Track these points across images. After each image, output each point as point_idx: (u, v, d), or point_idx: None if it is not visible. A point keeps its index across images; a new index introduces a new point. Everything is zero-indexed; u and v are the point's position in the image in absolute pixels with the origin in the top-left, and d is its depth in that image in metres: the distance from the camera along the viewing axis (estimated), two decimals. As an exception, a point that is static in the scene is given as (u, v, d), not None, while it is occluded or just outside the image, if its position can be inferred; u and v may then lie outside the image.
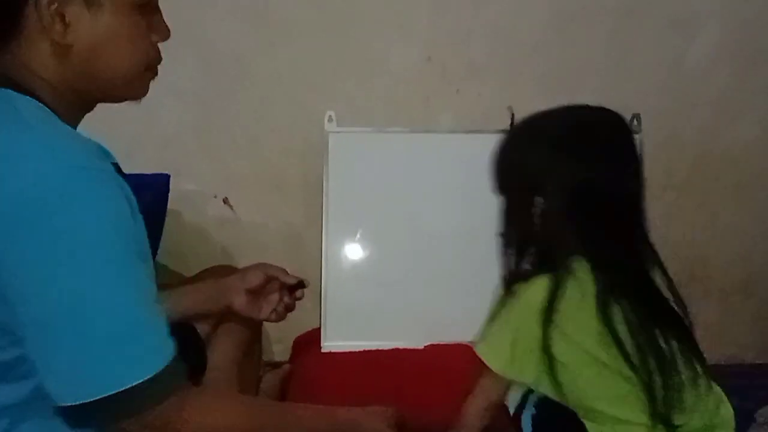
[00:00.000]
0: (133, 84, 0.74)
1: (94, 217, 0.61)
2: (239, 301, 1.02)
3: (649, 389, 0.80)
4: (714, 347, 1.52)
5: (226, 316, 1.08)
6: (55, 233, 0.60)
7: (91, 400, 0.61)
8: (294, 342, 1.39)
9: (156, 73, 0.75)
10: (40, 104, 0.68)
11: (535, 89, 1.38)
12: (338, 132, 1.32)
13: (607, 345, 0.80)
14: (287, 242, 1.43)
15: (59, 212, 0.60)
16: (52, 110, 0.69)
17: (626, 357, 0.80)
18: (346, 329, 1.28)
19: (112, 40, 0.70)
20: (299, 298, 1.07)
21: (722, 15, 1.37)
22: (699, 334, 1.49)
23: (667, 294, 0.88)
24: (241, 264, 1.35)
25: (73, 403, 0.61)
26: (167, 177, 1.27)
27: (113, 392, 0.61)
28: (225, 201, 1.41)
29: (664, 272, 0.89)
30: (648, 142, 1.39)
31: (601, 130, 0.88)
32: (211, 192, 1.41)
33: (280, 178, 1.41)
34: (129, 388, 0.61)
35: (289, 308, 1.07)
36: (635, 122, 1.38)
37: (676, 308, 0.88)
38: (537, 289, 0.81)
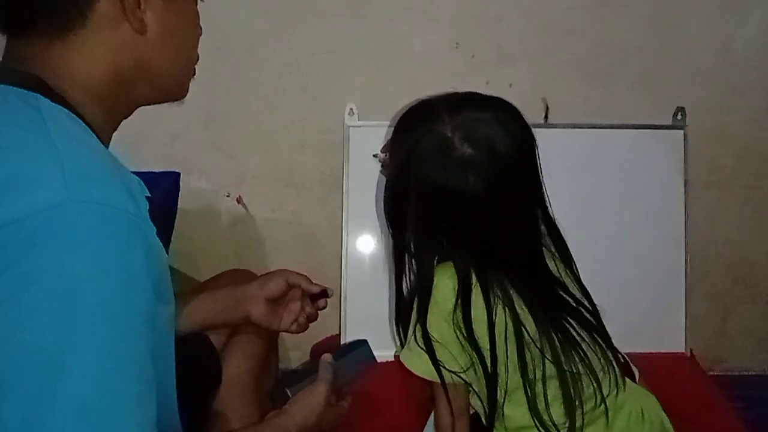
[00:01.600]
0: (183, 81, 0.71)
1: (96, 266, 0.52)
2: (258, 311, 0.95)
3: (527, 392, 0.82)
4: (757, 355, 1.43)
5: (241, 325, 1.01)
6: (45, 274, 0.51)
7: None
8: (312, 349, 1.32)
9: (195, 73, 0.73)
10: (71, 114, 0.60)
11: (570, 78, 1.28)
12: (359, 126, 1.24)
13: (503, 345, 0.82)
14: (303, 243, 1.34)
15: (57, 255, 0.51)
16: (87, 122, 0.61)
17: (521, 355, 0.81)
18: (367, 336, 1.19)
19: (180, 29, 0.67)
20: (322, 308, 0.99)
21: (774, -3, 1.27)
22: (742, 340, 1.44)
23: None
24: (254, 265, 1.28)
25: None
26: (177, 175, 1.19)
27: None
28: (239, 200, 1.32)
29: (568, 265, 0.89)
30: (692, 133, 1.30)
31: (414, 121, 0.85)
32: (223, 190, 1.32)
33: (296, 174, 1.32)
34: None
35: (311, 319, 0.99)
36: (680, 116, 1.29)
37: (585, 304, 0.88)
38: (446, 293, 0.83)
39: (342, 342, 1.23)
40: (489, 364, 0.83)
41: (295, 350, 1.38)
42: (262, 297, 0.95)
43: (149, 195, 0.61)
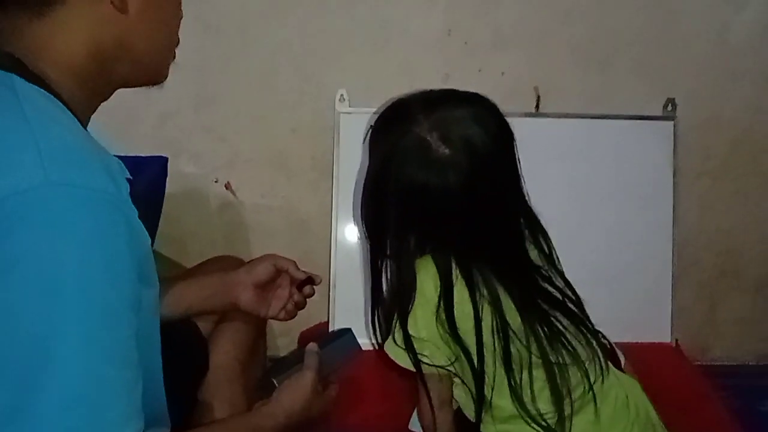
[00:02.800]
0: (163, 64, 0.70)
1: (77, 250, 0.51)
2: (246, 298, 0.94)
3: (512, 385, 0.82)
4: (744, 345, 1.45)
5: (227, 313, 1.01)
6: (26, 261, 0.50)
7: None
8: (300, 336, 1.31)
9: (175, 57, 0.71)
10: (48, 94, 0.59)
11: (564, 65, 1.27)
12: (350, 113, 1.23)
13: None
14: (293, 229, 1.33)
15: (36, 236, 0.50)
16: (64, 102, 0.59)
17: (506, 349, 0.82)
18: (355, 323, 1.19)
19: (162, 9, 0.66)
20: (309, 295, 0.99)
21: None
22: (729, 330, 1.45)
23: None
24: (243, 251, 1.28)
25: None
26: (165, 160, 1.17)
27: None
28: (227, 186, 1.31)
29: (550, 256, 0.89)
30: (683, 124, 1.29)
31: (391, 123, 0.85)
32: (212, 175, 1.31)
33: (287, 159, 1.30)
34: None
35: (300, 306, 0.99)
36: (670, 107, 1.29)
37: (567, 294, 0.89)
38: (430, 289, 0.83)
39: (330, 329, 1.23)
40: (476, 360, 0.83)
41: (283, 337, 1.38)
42: (249, 283, 0.94)
43: (130, 177, 0.60)
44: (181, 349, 0.86)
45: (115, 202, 0.54)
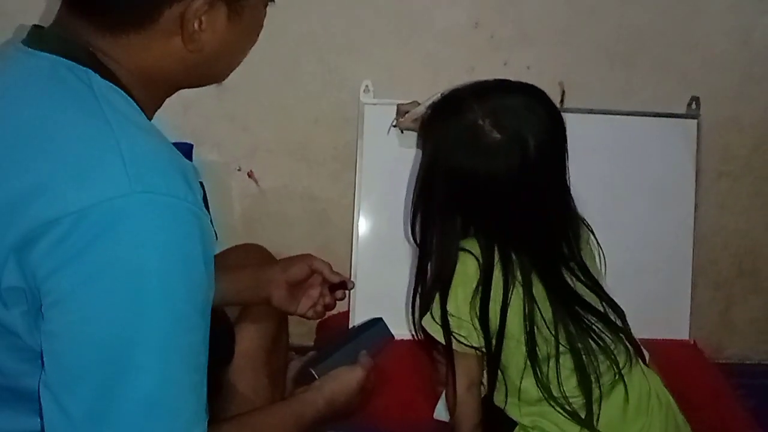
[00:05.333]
0: (228, 74, 0.70)
1: (160, 259, 0.52)
2: (279, 295, 0.96)
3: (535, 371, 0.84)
4: (760, 344, 1.45)
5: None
6: (109, 270, 0.50)
7: None
8: (318, 325, 1.31)
9: None
10: (121, 92, 0.59)
11: (589, 61, 1.27)
12: (374, 104, 1.23)
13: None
14: (314, 219, 1.33)
15: (121, 246, 0.51)
16: (134, 98, 0.60)
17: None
18: (377, 314, 1.20)
19: (240, 42, 0.66)
20: (340, 299, 1.00)
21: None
22: (745, 329, 1.45)
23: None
24: (264, 240, 1.28)
25: None
26: (190, 147, 1.18)
27: None
28: (250, 175, 1.31)
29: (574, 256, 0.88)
30: (706, 123, 1.29)
31: (444, 110, 0.86)
32: (235, 163, 1.31)
33: (309, 149, 1.31)
34: None
35: (329, 308, 1.00)
36: (694, 105, 1.29)
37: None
38: (470, 273, 0.85)
39: (350, 320, 1.23)
40: (494, 343, 0.85)
41: (300, 326, 1.37)
42: (284, 281, 0.96)
43: (202, 180, 0.60)
44: (209, 334, 0.87)
45: (194, 210, 0.55)
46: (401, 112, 1.18)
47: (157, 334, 0.52)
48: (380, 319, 0.97)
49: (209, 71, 0.67)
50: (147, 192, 0.52)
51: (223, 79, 0.71)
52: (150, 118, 0.66)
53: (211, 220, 0.58)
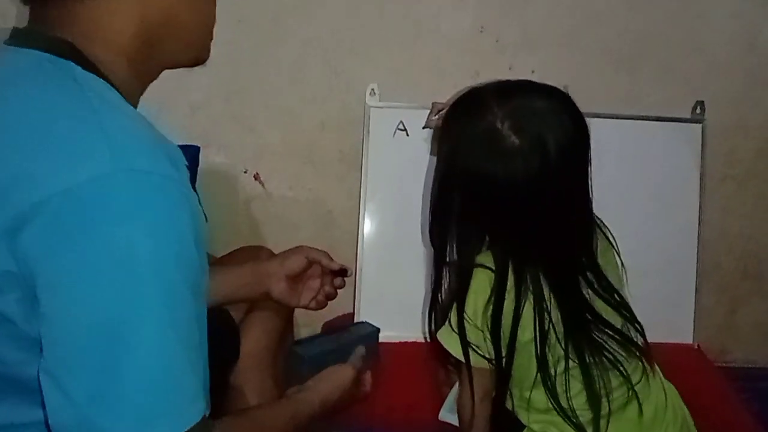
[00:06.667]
0: (206, 40, 0.70)
1: (150, 235, 0.52)
2: (279, 288, 0.96)
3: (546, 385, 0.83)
4: (763, 348, 1.45)
5: (259, 301, 1.02)
6: (101, 249, 0.51)
7: None
8: (323, 327, 1.32)
9: (213, 36, 0.71)
10: (106, 83, 0.60)
11: (593, 65, 1.28)
12: (380, 107, 1.24)
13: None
14: (320, 221, 1.34)
15: (111, 225, 0.51)
16: (117, 88, 0.60)
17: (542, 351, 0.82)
18: (381, 316, 1.20)
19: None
20: (340, 287, 1.00)
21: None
22: (749, 333, 1.45)
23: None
24: (270, 242, 1.29)
25: None
26: (197, 149, 1.19)
27: None
28: (256, 177, 1.32)
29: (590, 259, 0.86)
30: (710, 127, 1.30)
31: (463, 110, 0.83)
32: (242, 165, 1.32)
33: (315, 152, 1.32)
34: None
35: (330, 297, 1.00)
36: (698, 110, 1.29)
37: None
38: (483, 285, 0.82)
39: (355, 321, 1.24)
40: (504, 355, 0.83)
41: (306, 327, 1.38)
42: (282, 274, 0.96)
43: (187, 163, 0.61)
44: (214, 335, 0.88)
45: (179, 187, 0.55)
46: (436, 109, 1.12)
47: (151, 311, 0.52)
48: (377, 330, 0.98)
49: (188, 21, 0.66)
50: (132, 170, 0.53)
51: (204, 49, 0.70)
52: (136, 103, 0.66)
53: (199, 200, 0.59)
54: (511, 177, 0.77)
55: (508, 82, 0.83)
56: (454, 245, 0.85)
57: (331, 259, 0.99)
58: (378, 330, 1.00)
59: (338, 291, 1.03)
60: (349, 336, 0.99)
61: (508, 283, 0.82)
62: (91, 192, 0.51)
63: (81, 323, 0.51)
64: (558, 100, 0.80)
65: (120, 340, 0.52)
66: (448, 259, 0.86)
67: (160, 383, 0.53)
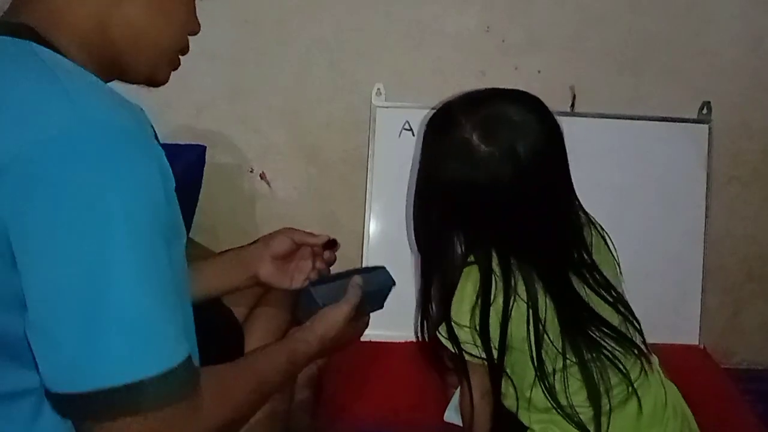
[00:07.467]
0: (164, 62, 0.70)
1: (119, 185, 0.54)
2: (266, 270, 0.94)
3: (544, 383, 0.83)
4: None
5: (261, 299, 1.01)
6: (72, 198, 0.52)
7: (90, 390, 0.53)
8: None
9: (179, 65, 0.71)
10: (66, 59, 0.61)
11: (599, 66, 1.28)
12: (386, 107, 1.24)
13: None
14: (324, 221, 1.35)
15: (80, 174, 0.53)
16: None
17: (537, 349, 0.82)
18: (387, 316, 1.20)
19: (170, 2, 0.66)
20: (331, 262, 0.98)
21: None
22: (753, 334, 1.45)
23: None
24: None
25: (69, 392, 0.54)
26: (203, 148, 1.19)
27: (116, 384, 0.53)
28: (262, 176, 1.32)
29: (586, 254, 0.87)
30: (717, 128, 1.30)
31: (435, 127, 0.85)
32: (247, 165, 1.32)
33: (320, 152, 1.32)
34: (135, 383, 0.54)
35: (322, 273, 0.99)
36: (705, 110, 1.29)
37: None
38: (469, 291, 0.84)
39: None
40: (496, 356, 0.84)
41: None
42: (267, 256, 0.94)
43: (152, 126, 0.62)
44: (217, 334, 0.88)
45: (145, 140, 0.57)
46: None
47: (127, 256, 0.54)
48: (383, 268, 0.95)
49: (146, 34, 0.66)
50: (96, 121, 0.54)
51: (160, 70, 0.70)
52: None
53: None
54: (486, 183, 0.79)
55: (476, 92, 0.85)
56: (439, 252, 0.87)
57: (315, 236, 0.97)
58: (393, 284, 0.96)
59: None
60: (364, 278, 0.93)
61: (496, 284, 0.83)
62: (57, 145, 0.53)
63: (59, 272, 0.53)
64: (525, 104, 0.82)
65: (101, 287, 0.53)
66: (434, 266, 0.88)
67: (139, 324, 0.54)
